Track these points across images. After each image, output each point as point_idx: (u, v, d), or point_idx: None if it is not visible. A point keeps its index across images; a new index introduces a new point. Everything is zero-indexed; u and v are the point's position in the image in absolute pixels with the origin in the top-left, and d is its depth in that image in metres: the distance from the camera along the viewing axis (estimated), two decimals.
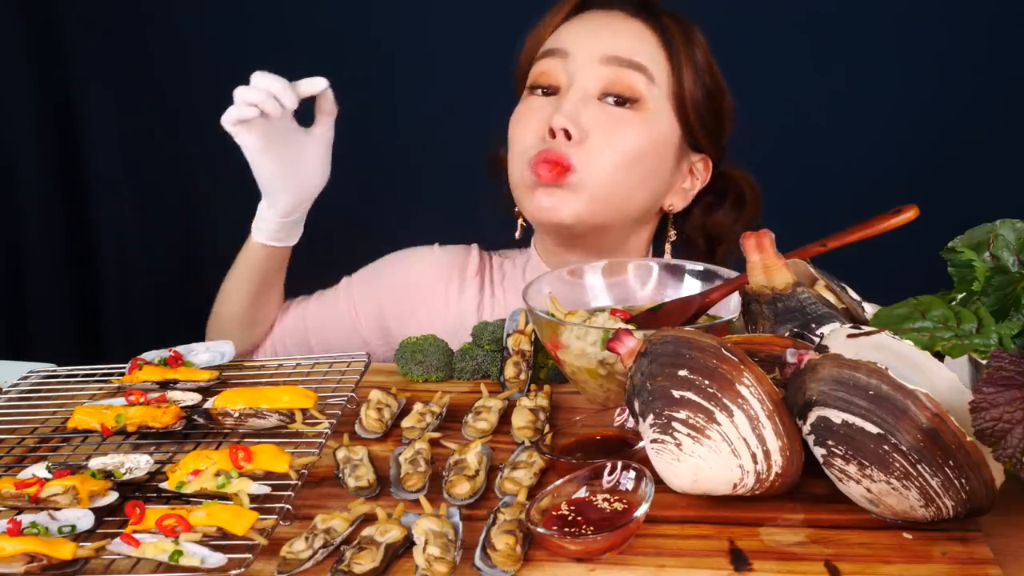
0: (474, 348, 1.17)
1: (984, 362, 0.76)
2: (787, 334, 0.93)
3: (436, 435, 0.98)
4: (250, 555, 0.76)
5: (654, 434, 0.84)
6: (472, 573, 0.76)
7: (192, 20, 2.26)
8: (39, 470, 0.89)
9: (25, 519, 0.81)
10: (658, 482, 0.82)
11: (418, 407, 1.03)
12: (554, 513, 0.81)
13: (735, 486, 0.82)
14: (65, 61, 2.27)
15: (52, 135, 2.29)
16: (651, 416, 0.83)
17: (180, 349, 1.15)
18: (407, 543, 0.79)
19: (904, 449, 0.74)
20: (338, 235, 1.75)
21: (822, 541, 0.78)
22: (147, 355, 1.13)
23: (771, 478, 0.81)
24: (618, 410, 0.97)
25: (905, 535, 0.78)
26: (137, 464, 0.91)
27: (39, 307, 2.33)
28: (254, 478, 0.87)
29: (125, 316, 2.39)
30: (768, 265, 0.96)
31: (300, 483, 0.87)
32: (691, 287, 1.15)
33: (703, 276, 1.15)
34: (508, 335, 1.14)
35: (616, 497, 0.82)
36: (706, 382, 0.80)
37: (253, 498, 0.85)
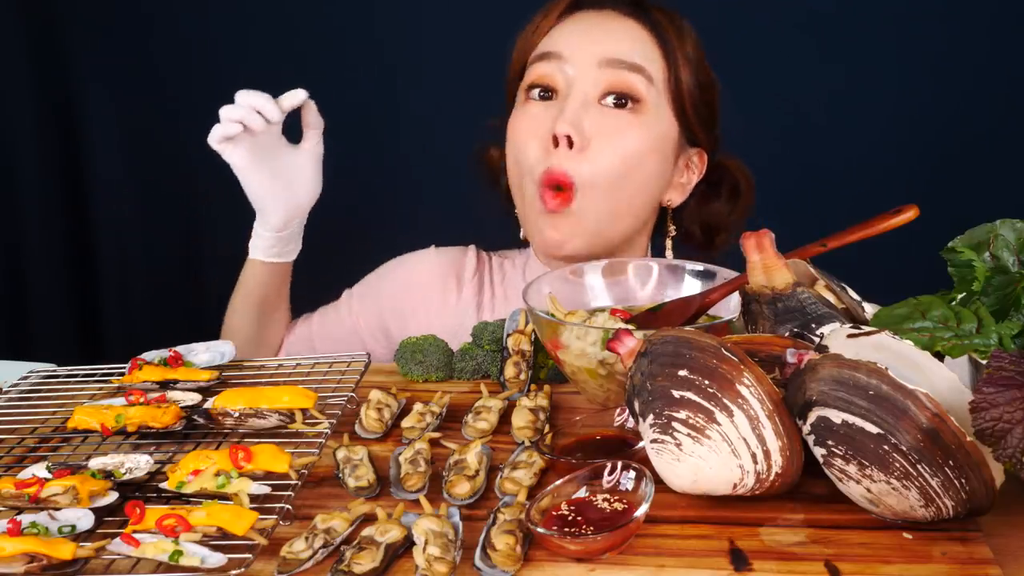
0: (474, 348, 1.17)
1: (984, 362, 0.76)
2: (787, 334, 0.93)
3: (436, 435, 0.98)
4: (250, 555, 0.76)
5: (654, 434, 0.84)
6: (472, 573, 0.76)
7: (192, 20, 2.26)
8: (39, 470, 0.89)
9: (25, 519, 0.80)
10: (658, 482, 0.82)
11: (418, 407, 1.03)
12: (554, 513, 0.81)
13: (735, 486, 0.82)
14: (65, 61, 2.27)
15: (52, 135, 2.29)
16: (651, 416, 0.83)
17: (180, 349, 1.15)
18: (407, 543, 0.79)
19: (904, 449, 0.74)
20: (339, 240, 1.76)
21: (822, 541, 0.78)
22: (147, 355, 1.13)
23: (771, 478, 0.82)
24: (618, 410, 0.97)
25: (905, 535, 0.78)
26: (137, 464, 0.91)
27: (39, 307, 2.33)
28: (254, 478, 0.87)
29: (125, 316, 2.39)
30: (768, 265, 0.96)
31: (300, 483, 0.87)
32: (691, 287, 1.15)
33: (703, 276, 1.15)
34: (508, 335, 1.14)
35: (616, 497, 0.82)
36: (706, 382, 0.80)
37: (253, 498, 0.85)
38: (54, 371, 1.18)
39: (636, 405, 0.86)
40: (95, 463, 0.91)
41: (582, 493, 0.83)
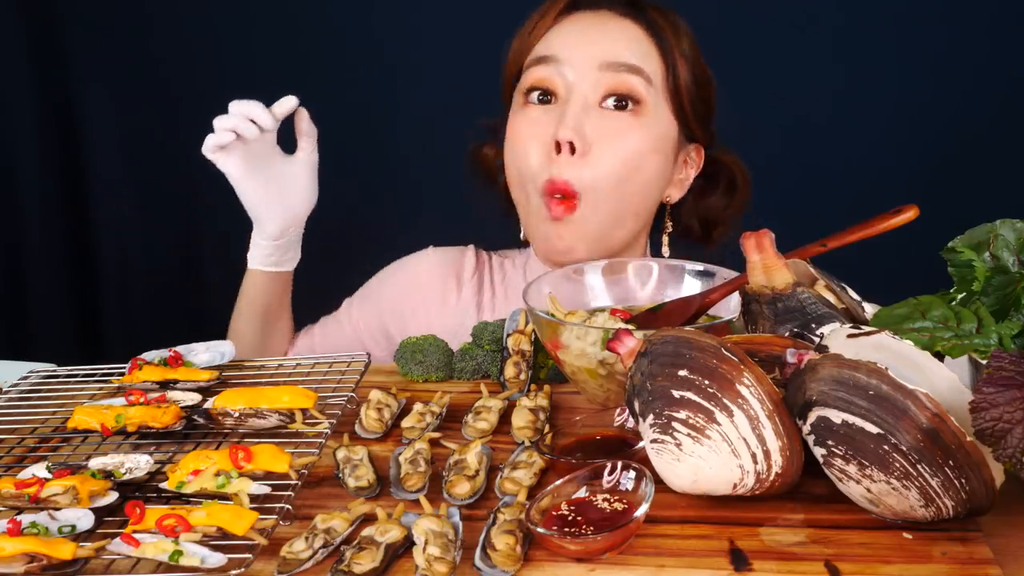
0: (474, 348, 1.17)
1: (984, 362, 0.76)
2: (787, 334, 0.93)
3: (436, 435, 0.98)
4: (250, 555, 0.76)
5: (654, 434, 0.84)
6: (472, 573, 0.76)
7: (192, 20, 2.26)
8: (39, 470, 0.89)
9: (25, 519, 0.80)
10: (658, 482, 0.82)
11: (418, 407, 1.03)
12: (554, 513, 0.81)
13: (735, 486, 0.82)
14: (65, 61, 2.28)
15: (52, 135, 2.29)
16: (651, 416, 0.83)
17: (180, 349, 1.15)
18: (407, 543, 0.79)
19: (904, 449, 0.74)
20: (339, 241, 1.76)
21: (822, 541, 0.78)
22: (147, 355, 1.13)
23: (771, 478, 0.82)
24: (618, 410, 0.97)
25: (905, 535, 0.78)
26: (137, 464, 0.91)
27: (39, 307, 2.33)
28: (254, 478, 0.87)
29: (125, 316, 2.40)
30: (768, 265, 0.96)
31: (300, 483, 0.87)
32: (691, 287, 1.15)
33: (703, 276, 1.15)
34: (508, 335, 1.14)
35: (616, 497, 0.82)
36: (706, 382, 0.80)
37: (253, 498, 0.85)
38: (54, 371, 1.18)
39: (636, 405, 0.86)
40: (95, 463, 0.91)
41: (582, 493, 0.83)
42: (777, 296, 0.95)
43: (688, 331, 0.84)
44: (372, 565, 0.76)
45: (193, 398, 1.05)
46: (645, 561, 0.77)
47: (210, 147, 1.23)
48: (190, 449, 0.96)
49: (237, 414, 0.99)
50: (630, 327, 0.99)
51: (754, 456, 0.80)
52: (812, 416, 0.78)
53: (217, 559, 0.76)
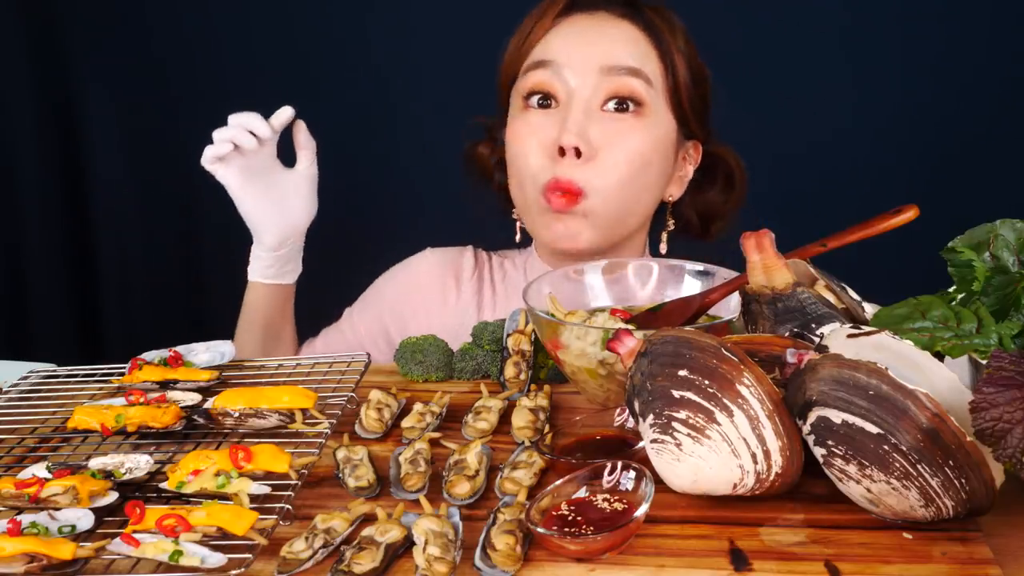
0: (474, 348, 1.17)
1: (984, 362, 0.76)
2: (787, 334, 0.93)
3: (436, 435, 0.98)
4: (250, 555, 0.76)
5: (654, 434, 0.84)
6: (472, 573, 0.76)
7: (192, 21, 2.26)
8: (39, 470, 0.89)
9: (25, 519, 0.80)
10: (658, 482, 0.82)
11: (418, 407, 1.03)
12: (554, 513, 0.81)
13: (735, 486, 0.82)
14: (65, 61, 2.27)
15: (52, 135, 2.29)
16: (651, 416, 0.83)
17: (180, 349, 1.15)
18: (407, 543, 0.79)
19: (904, 449, 0.74)
20: (339, 242, 1.76)
21: (822, 541, 0.78)
22: (147, 355, 1.13)
23: (771, 478, 0.81)
24: (618, 410, 0.97)
25: (905, 535, 0.78)
26: (137, 464, 0.91)
27: (39, 307, 2.33)
28: (254, 478, 0.87)
29: (125, 316, 2.40)
30: (768, 265, 0.96)
31: (300, 483, 0.87)
32: (691, 287, 1.15)
33: (703, 276, 1.15)
34: (508, 335, 1.14)
35: (616, 497, 0.82)
36: (706, 382, 0.80)
37: (253, 498, 0.85)
38: (54, 371, 1.18)
39: (636, 405, 0.86)
40: (95, 463, 0.91)
41: (582, 493, 0.83)
42: (777, 296, 0.95)
43: (688, 331, 0.84)
44: (372, 565, 0.76)
45: (193, 398, 1.05)
46: (645, 561, 0.77)
47: (209, 158, 1.24)
48: (190, 449, 0.96)
49: (237, 414, 0.99)
50: (630, 327, 0.99)
51: (754, 456, 0.80)
52: (812, 416, 0.78)
53: (217, 559, 0.76)
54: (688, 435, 0.81)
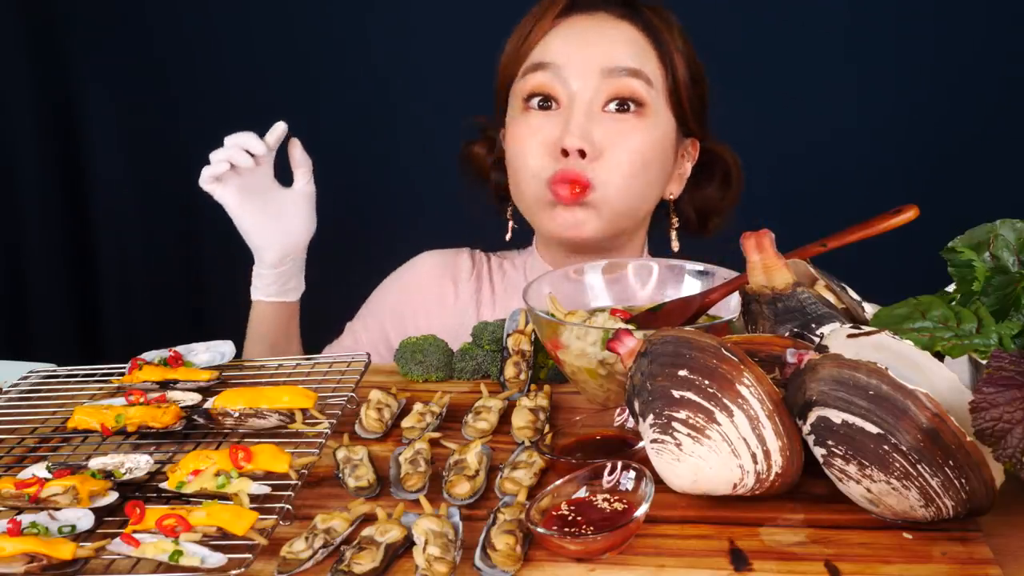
0: (474, 348, 1.17)
1: (984, 362, 0.76)
2: (787, 334, 0.93)
3: (436, 435, 0.98)
4: (250, 555, 0.76)
5: (654, 434, 0.84)
6: (472, 573, 0.76)
7: (192, 21, 2.26)
8: (39, 470, 0.89)
9: (25, 519, 0.80)
10: (658, 482, 0.82)
11: (418, 407, 1.03)
12: (554, 513, 0.81)
13: (735, 486, 0.82)
14: (65, 61, 2.28)
15: (52, 135, 2.29)
16: (651, 416, 0.83)
17: (180, 349, 1.15)
18: (407, 543, 0.79)
19: (904, 449, 0.74)
20: (339, 245, 1.76)
21: (822, 541, 0.78)
22: (147, 355, 1.13)
23: (771, 478, 0.81)
24: (618, 410, 0.97)
25: (905, 535, 0.78)
26: (137, 464, 0.91)
27: (39, 307, 2.33)
28: (254, 478, 0.87)
29: (125, 316, 2.40)
30: (768, 265, 0.96)
31: (300, 483, 0.87)
32: (691, 287, 1.15)
33: (703, 276, 1.15)
34: (508, 335, 1.14)
35: (616, 497, 0.82)
36: (706, 382, 0.80)
37: (253, 498, 0.85)
38: (54, 371, 1.18)
39: (636, 405, 0.86)
40: (95, 463, 0.91)
41: (582, 493, 0.83)
42: (777, 296, 0.95)
43: (688, 331, 0.84)
44: (372, 565, 0.76)
45: (193, 398, 1.05)
46: (645, 561, 0.77)
47: (206, 178, 1.25)
48: (190, 449, 0.96)
49: (237, 414, 0.99)
50: (630, 327, 0.99)
51: (754, 456, 0.80)
52: (812, 416, 0.78)
53: (217, 559, 0.76)
54: (688, 435, 0.81)
